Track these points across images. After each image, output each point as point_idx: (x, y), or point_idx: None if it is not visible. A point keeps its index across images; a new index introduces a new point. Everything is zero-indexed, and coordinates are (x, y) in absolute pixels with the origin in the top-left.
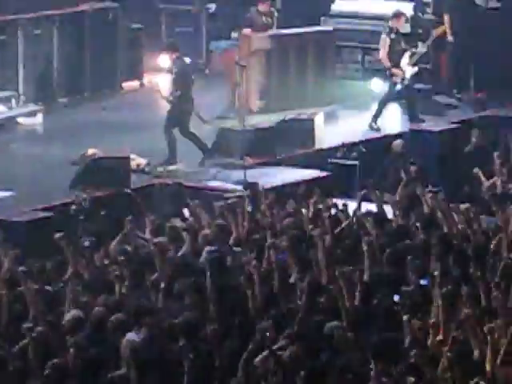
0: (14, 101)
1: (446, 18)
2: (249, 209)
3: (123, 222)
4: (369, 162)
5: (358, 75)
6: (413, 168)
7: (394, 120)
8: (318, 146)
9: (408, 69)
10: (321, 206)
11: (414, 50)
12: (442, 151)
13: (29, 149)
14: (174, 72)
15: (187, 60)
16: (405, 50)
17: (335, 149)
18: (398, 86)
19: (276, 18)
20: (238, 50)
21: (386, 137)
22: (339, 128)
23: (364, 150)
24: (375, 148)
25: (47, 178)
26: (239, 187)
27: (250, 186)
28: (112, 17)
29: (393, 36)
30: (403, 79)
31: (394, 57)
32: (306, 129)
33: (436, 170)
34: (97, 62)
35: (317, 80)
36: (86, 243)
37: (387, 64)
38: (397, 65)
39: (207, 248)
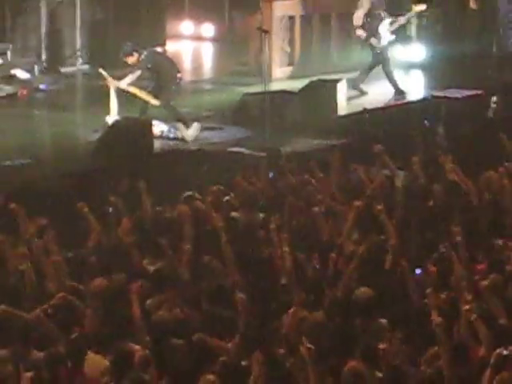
0: (36, 67)
1: None
2: (271, 175)
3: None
4: (392, 129)
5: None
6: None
7: (416, 86)
8: (340, 112)
9: (386, 35)
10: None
11: (394, 18)
12: (465, 118)
13: (51, 115)
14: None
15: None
16: (385, 16)
17: (358, 115)
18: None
19: None
20: (260, 15)
21: (408, 103)
22: (361, 95)
23: (387, 117)
24: (398, 114)
25: (70, 143)
26: (262, 153)
27: (272, 152)
28: None
29: None
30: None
31: (372, 20)
32: (329, 95)
33: (457, 135)
34: (119, 29)
35: (341, 46)
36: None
37: (356, 23)
38: (374, 29)
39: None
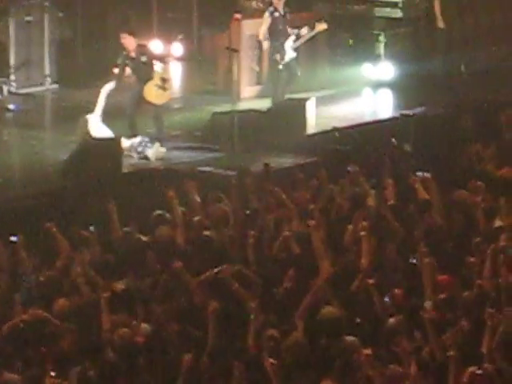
0: (4, 87)
1: (437, 4)
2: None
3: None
4: (361, 147)
5: (349, 60)
6: (402, 153)
7: (385, 105)
8: (309, 130)
9: (289, 52)
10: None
11: (297, 35)
12: (433, 135)
13: (21, 134)
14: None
15: None
16: (290, 34)
17: (327, 134)
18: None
19: (267, 3)
20: (228, 35)
21: (378, 122)
22: (331, 113)
23: (356, 136)
24: (367, 133)
25: (39, 163)
26: (231, 172)
27: (242, 171)
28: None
29: (276, 15)
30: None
31: (275, 36)
32: (298, 113)
33: (427, 154)
34: (89, 47)
35: (308, 65)
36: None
37: (261, 38)
38: (279, 45)
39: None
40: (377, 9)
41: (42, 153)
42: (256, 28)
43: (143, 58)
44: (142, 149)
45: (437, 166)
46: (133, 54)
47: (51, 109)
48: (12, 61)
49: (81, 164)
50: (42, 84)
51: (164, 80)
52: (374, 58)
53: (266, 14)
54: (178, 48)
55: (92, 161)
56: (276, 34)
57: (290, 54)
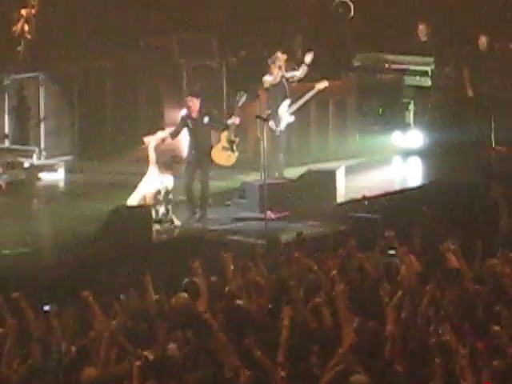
0: (35, 156)
1: (466, 72)
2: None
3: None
4: (390, 216)
5: (379, 129)
6: (433, 221)
7: (415, 173)
8: (339, 199)
9: (284, 116)
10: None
11: (294, 99)
12: (462, 203)
13: (50, 204)
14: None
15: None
16: (285, 97)
17: (356, 202)
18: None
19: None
20: (258, 103)
21: (407, 190)
22: (360, 182)
23: (386, 203)
24: (396, 201)
25: (70, 232)
26: (261, 241)
27: (272, 240)
28: (133, 72)
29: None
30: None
31: (271, 102)
32: (328, 182)
33: (456, 222)
34: (118, 117)
35: (338, 133)
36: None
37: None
38: (274, 111)
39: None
40: (406, 77)
41: (73, 222)
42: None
43: (205, 119)
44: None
45: (466, 234)
46: (194, 115)
47: (80, 178)
48: (42, 130)
49: (111, 233)
50: (71, 154)
51: (231, 142)
52: (404, 126)
53: (264, 78)
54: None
55: (122, 230)
56: (271, 100)
57: (286, 120)
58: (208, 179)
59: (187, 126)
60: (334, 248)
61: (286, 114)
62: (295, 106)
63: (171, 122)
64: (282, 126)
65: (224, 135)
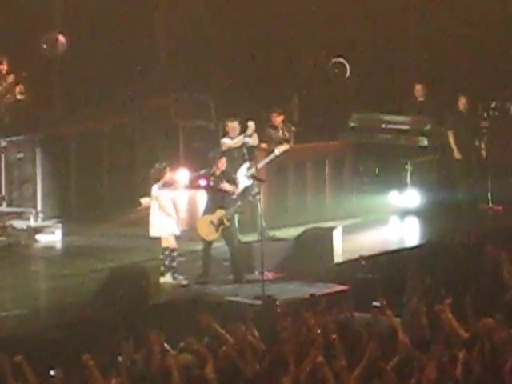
0: (32, 218)
1: (451, 135)
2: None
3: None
4: (387, 276)
5: (376, 188)
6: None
7: (412, 233)
8: (336, 259)
9: (243, 180)
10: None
11: (252, 162)
12: (460, 263)
13: (48, 266)
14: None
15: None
16: (244, 160)
17: (354, 262)
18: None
19: (293, 132)
20: (255, 165)
21: (404, 250)
22: (358, 241)
23: (383, 263)
24: (394, 261)
25: (68, 293)
26: (257, 301)
27: (268, 301)
28: (130, 133)
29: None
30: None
31: (229, 164)
32: (325, 242)
33: (456, 282)
34: (115, 178)
35: (335, 193)
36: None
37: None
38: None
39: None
40: (403, 137)
41: (71, 283)
42: (282, 157)
43: (225, 179)
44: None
45: (463, 295)
46: (218, 174)
47: (77, 240)
48: (39, 192)
49: (110, 294)
50: (67, 215)
51: (221, 223)
52: (401, 186)
53: (222, 142)
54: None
55: (119, 291)
56: (229, 163)
57: (243, 182)
58: (234, 240)
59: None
60: (331, 309)
61: (243, 177)
62: (253, 170)
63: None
64: (240, 188)
65: (220, 212)
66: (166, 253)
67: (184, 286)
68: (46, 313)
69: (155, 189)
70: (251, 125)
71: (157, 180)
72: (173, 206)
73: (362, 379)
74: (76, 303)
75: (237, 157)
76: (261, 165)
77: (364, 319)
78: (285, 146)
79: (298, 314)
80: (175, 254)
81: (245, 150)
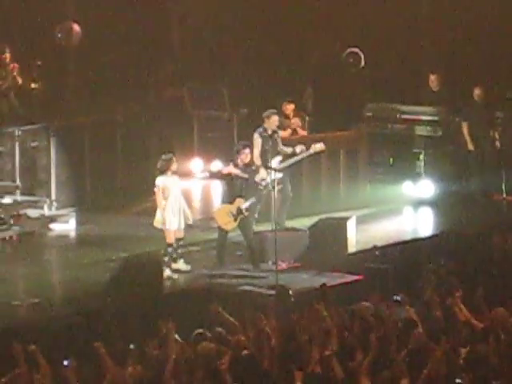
0: (46, 207)
1: (465, 125)
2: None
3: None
4: (401, 266)
5: (390, 178)
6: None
7: (426, 223)
8: (350, 249)
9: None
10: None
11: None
12: (474, 254)
13: (61, 255)
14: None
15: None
16: (277, 153)
17: (368, 252)
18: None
19: (307, 122)
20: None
21: (418, 240)
22: (372, 232)
23: (397, 253)
24: (408, 251)
25: (81, 282)
26: (271, 291)
27: (281, 291)
28: (144, 123)
29: (265, 135)
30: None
31: (265, 157)
32: (339, 232)
33: (469, 272)
34: (129, 168)
35: (349, 183)
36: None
37: (258, 163)
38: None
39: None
40: (417, 127)
41: (84, 272)
42: (293, 145)
43: (248, 171)
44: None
45: (476, 285)
46: (242, 167)
47: (91, 229)
48: (53, 181)
49: (122, 283)
50: (81, 204)
51: (240, 212)
52: (415, 176)
53: (256, 135)
54: (218, 166)
55: (133, 280)
56: (263, 156)
57: (273, 175)
58: (250, 230)
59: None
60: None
61: (275, 170)
62: (286, 164)
63: (182, 173)
64: (267, 180)
65: (240, 201)
66: (169, 249)
67: (187, 271)
68: (60, 302)
69: (159, 180)
70: (275, 118)
71: (163, 171)
72: (176, 200)
73: (372, 370)
74: (89, 293)
75: (267, 149)
76: (294, 161)
77: (378, 310)
78: (321, 145)
79: (311, 304)
80: (170, 249)
81: (278, 142)
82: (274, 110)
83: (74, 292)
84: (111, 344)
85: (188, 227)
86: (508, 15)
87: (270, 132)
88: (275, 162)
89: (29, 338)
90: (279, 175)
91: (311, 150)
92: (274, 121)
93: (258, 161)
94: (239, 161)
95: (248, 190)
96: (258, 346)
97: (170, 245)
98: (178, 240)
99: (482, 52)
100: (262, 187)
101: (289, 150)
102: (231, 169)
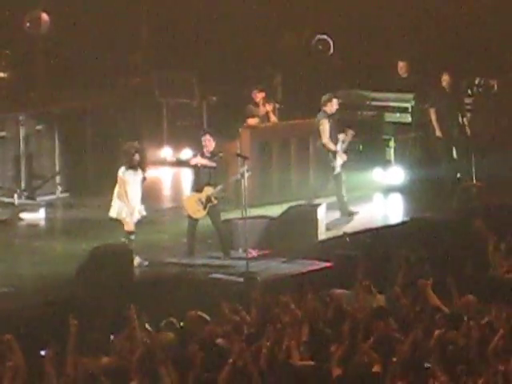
0: (16, 197)
1: (432, 112)
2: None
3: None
4: (371, 253)
5: (360, 165)
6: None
7: (396, 210)
8: (320, 236)
9: (342, 156)
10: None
11: (343, 137)
12: (443, 240)
13: (31, 244)
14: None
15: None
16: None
17: (338, 239)
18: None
19: (276, 109)
20: (239, 141)
21: (388, 226)
22: (342, 219)
23: (367, 240)
24: (378, 238)
25: (49, 272)
26: (240, 279)
27: (249, 277)
28: (113, 111)
29: (330, 121)
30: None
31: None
32: (309, 219)
33: (437, 259)
34: (98, 156)
35: (318, 171)
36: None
37: (332, 148)
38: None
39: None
40: (387, 114)
41: (55, 261)
42: (265, 135)
43: (214, 159)
44: None
45: (446, 272)
46: (207, 155)
47: (62, 218)
48: (23, 170)
49: (92, 272)
50: (52, 193)
51: (209, 200)
52: (385, 163)
53: (325, 121)
54: (188, 154)
55: (103, 269)
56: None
57: (343, 158)
58: (219, 218)
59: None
60: (316, 287)
61: (341, 153)
62: (345, 145)
63: (151, 162)
64: (340, 163)
65: (208, 189)
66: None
67: (146, 266)
68: (30, 292)
69: (120, 171)
70: (335, 101)
71: (124, 162)
72: (134, 190)
73: (344, 357)
74: (59, 282)
75: (333, 133)
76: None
77: (347, 296)
78: (351, 131)
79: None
80: (132, 237)
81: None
82: (332, 94)
83: (44, 281)
84: (82, 334)
85: (159, 215)
86: (475, 1)
87: (330, 115)
88: (339, 145)
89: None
90: (345, 157)
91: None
92: (334, 104)
93: (330, 145)
94: (205, 150)
95: (217, 178)
96: (226, 336)
97: (131, 232)
98: (128, 233)
99: (450, 38)
100: (338, 171)
101: (340, 136)
102: (198, 160)
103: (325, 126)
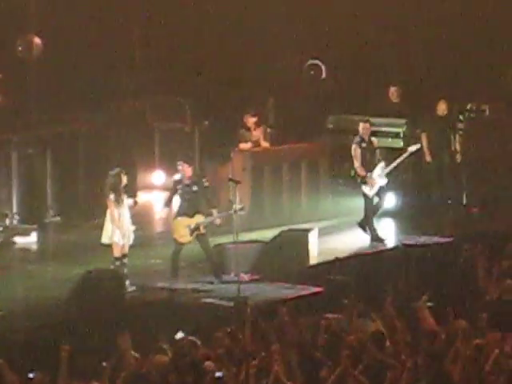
0: (8, 220)
1: (424, 137)
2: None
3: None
4: (363, 278)
5: (351, 190)
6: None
7: (387, 234)
8: (311, 261)
9: (379, 180)
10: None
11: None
12: (435, 265)
13: (24, 267)
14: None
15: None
16: (379, 161)
17: (329, 264)
18: (371, 194)
19: (268, 134)
20: (231, 166)
21: (380, 252)
22: (333, 243)
23: (358, 265)
24: (369, 263)
25: (41, 296)
26: (231, 303)
27: (241, 302)
28: (105, 136)
29: (363, 145)
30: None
31: (366, 166)
32: (301, 244)
33: (430, 284)
34: (90, 180)
35: (310, 195)
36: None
37: (363, 173)
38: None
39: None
40: (378, 139)
41: (46, 285)
42: (257, 159)
43: (194, 188)
44: None
45: (439, 296)
46: (187, 182)
47: (54, 241)
48: (15, 194)
49: (84, 296)
50: (44, 217)
51: (197, 228)
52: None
53: (354, 146)
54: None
55: (95, 293)
56: (365, 165)
57: (380, 182)
58: (208, 244)
59: (176, 191)
60: (308, 311)
61: (378, 177)
62: (389, 168)
63: (143, 186)
64: (376, 188)
65: (199, 217)
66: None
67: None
68: (22, 315)
69: (111, 196)
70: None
71: (112, 189)
72: (124, 214)
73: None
74: (52, 306)
75: (368, 158)
76: (395, 164)
77: (338, 321)
78: (417, 145)
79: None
80: (125, 260)
81: (377, 151)
82: (364, 118)
83: (36, 305)
84: (73, 358)
85: (151, 239)
86: (468, 27)
87: (366, 140)
88: (378, 169)
89: None
90: (384, 181)
91: (408, 152)
92: (363, 128)
93: (361, 171)
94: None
95: (209, 203)
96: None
97: (121, 257)
98: (123, 256)
99: (442, 64)
100: (370, 197)
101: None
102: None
103: (356, 152)
